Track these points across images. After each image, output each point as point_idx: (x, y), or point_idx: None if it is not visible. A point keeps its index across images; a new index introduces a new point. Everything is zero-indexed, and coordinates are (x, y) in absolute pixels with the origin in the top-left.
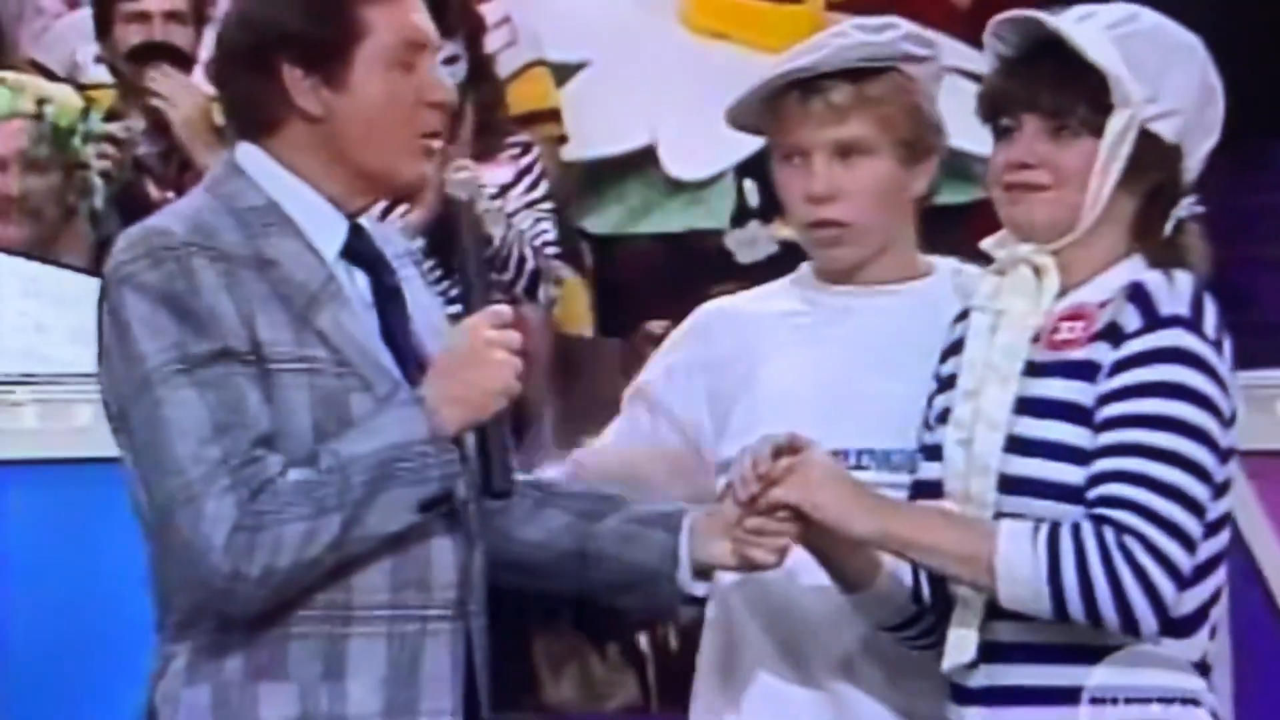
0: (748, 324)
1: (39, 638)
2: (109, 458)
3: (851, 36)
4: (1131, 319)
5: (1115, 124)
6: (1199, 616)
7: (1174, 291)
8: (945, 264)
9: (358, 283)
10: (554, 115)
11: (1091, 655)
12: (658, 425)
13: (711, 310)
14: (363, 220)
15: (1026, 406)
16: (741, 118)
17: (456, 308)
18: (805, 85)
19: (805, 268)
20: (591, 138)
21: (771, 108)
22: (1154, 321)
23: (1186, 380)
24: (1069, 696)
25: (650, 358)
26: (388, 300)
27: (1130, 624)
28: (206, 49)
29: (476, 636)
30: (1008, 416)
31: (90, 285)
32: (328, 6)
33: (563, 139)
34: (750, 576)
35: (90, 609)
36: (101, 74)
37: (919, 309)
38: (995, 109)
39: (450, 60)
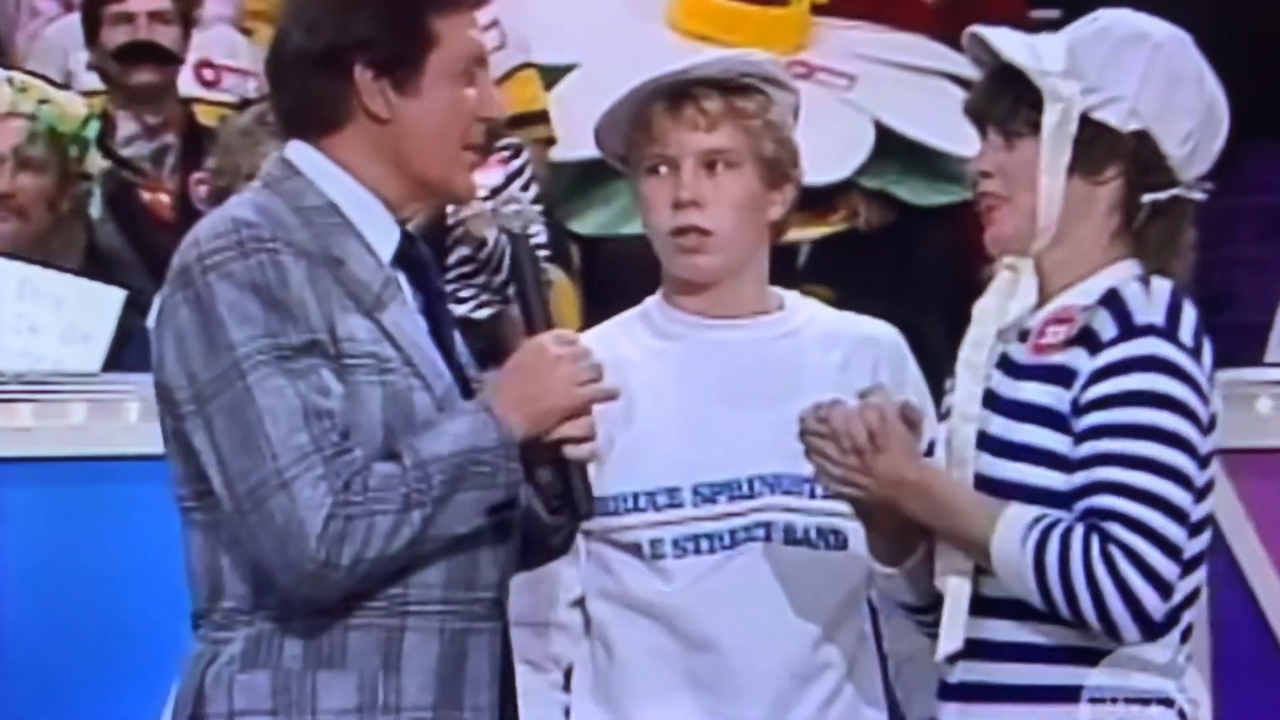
0: (614, 367)
1: (31, 634)
2: (101, 455)
3: (720, 52)
4: (1107, 327)
5: (1049, 118)
6: (1170, 619)
7: (1150, 299)
8: (794, 298)
9: (403, 285)
10: (543, 117)
11: (1067, 655)
12: None
13: None
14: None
15: (1005, 408)
16: (608, 136)
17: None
18: (676, 95)
19: (650, 303)
20: (580, 139)
21: (640, 121)
22: (1129, 330)
23: (1163, 388)
24: (1042, 694)
25: None
26: (435, 302)
27: (1113, 632)
28: (192, 49)
29: (507, 636)
30: (979, 409)
31: (82, 287)
32: (404, 15)
33: (551, 141)
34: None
35: (83, 605)
36: (97, 80)
37: (778, 341)
38: (977, 127)
39: None
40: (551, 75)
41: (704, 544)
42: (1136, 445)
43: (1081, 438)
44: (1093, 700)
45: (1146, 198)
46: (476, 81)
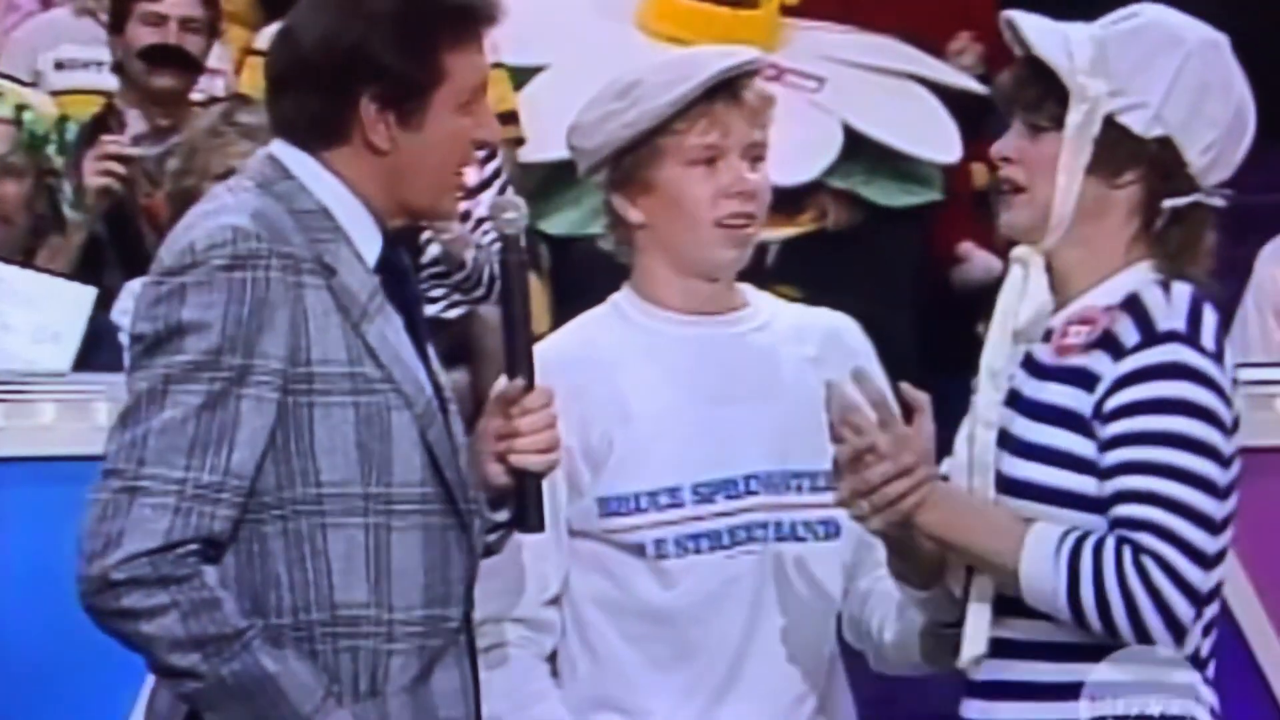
0: (597, 364)
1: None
2: (70, 455)
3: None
4: (1129, 333)
5: (1073, 117)
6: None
7: (1171, 305)
8: (754, 293)
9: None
10: (512, 118)
11: (1090, 653)
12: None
13: (551, 357)
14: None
15: (1027, 408)
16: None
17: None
18: (733, 85)
19: (620, 298)
20: (549, 140)
21: (692, 109)
22: (1151, 337)
23: (1189, 395)
24: (1065, 692)
25: None
26: (413, 308)
27: (1146, 641)
28: (215, 58)
29: (474, 650)
30: (999, 414)
31: (54, 285)
32: (418, 48)
33: (521, 141)
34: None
35: (51, 606)
36: (66, 80)
37: (751, 335)
38: (1004, 112)
39: None
40: (521, 76)
41: (704, 543)
42: (1165, 454)
43: (1108, 445)
44: (1093, 698)
45: (1167, 203)
46: (476, 107)
